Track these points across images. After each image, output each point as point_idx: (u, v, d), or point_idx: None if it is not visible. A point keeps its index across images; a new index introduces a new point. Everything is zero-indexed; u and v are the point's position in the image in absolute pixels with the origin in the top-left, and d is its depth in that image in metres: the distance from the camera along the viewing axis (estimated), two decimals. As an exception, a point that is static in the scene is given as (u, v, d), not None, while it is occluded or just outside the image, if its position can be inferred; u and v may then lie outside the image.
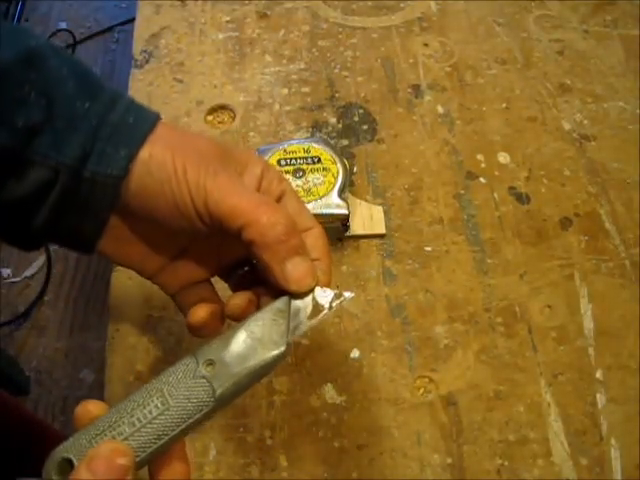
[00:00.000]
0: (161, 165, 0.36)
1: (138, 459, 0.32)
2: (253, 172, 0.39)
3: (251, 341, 0.35)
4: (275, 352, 0.35)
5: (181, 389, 0.34)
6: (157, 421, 0.33)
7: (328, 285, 0.38)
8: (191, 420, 0.33)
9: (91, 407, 0.34)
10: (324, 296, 0.37)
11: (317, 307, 0.37)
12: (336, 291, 0.37)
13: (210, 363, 0.34)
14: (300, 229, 0.39)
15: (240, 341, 0.35)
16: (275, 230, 0.36)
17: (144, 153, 0.36)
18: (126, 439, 0.32)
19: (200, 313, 0.40)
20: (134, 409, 0.33)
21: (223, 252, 0.42)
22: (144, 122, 0.38)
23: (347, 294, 0.37)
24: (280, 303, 0.36)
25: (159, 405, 0.33)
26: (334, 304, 0.37)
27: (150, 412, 0.33)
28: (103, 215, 0.38)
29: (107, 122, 0.37)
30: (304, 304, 0.37)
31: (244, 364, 0.35)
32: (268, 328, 0.36)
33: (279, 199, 0.40)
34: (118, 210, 0.38)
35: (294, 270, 0.36)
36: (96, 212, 0.38)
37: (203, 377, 0.34)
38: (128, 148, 0.36)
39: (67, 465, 0.32)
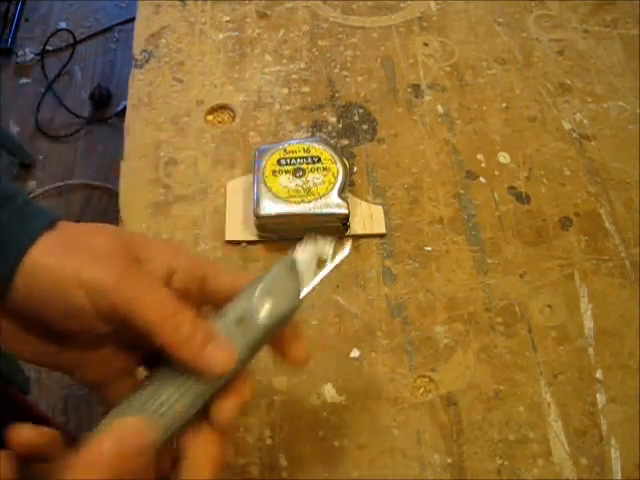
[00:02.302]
0: (48, 274, 0.34)
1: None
2: (158, 266, 0.37)
3: (267, 296, 0.37)
4: (289, 305, 0.37)
5: None
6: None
7: None
8: None
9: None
10: (325, 250, 0.38)
11: (321, 262, 0.38)
12: (333, 241, 0.38)
13: (237, 318, 0.36)
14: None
15: (256, 297, 0.36)
16: (180, 332, 0.35)
17: (28, 264, 0.34)
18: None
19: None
20: None
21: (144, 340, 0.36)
22: (29, 231, 0.35)
23: (346, 249, 0.39)
24: (287, 261, 0.38)
25: None
26: (337, 258, 0.38)
27: None
28: None
29: None
30: (308, 261, 0.38)
31: (259, 317, 0.36)
32: (282, 283, 0.37)
33: (203, 282, 0.38)
34: (5, 312, 0.35)
35: (211, 359, 0.35)
36: None
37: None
38: (6, 265, 0.34)
39: None
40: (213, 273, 0.39)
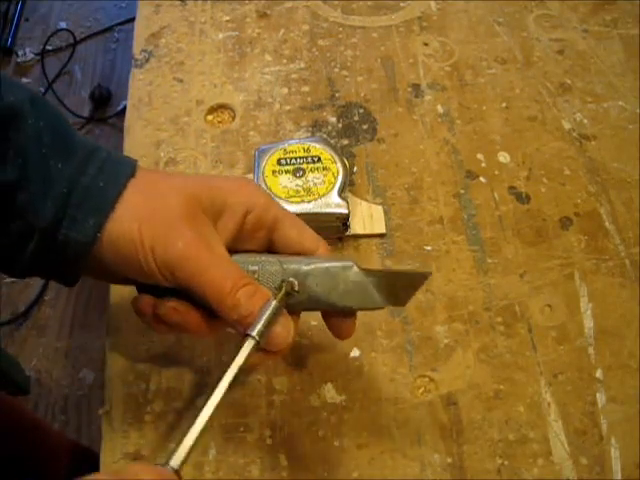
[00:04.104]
0: (129, 242, 0.38)
1: None
2: (233, 211, 0.41)
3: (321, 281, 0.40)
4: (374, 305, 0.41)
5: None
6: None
7: None
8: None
9: None
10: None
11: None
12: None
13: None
14: (305, 254, 0.42)
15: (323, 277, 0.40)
16: (238, 311, 0.38)
17: (111, 229, 0.38)
18: None
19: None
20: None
21: None
22: (114, 186, 0.39)
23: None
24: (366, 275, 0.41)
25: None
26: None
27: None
28: (77, 266, 0.40)
29: (78, 186, 0.38)
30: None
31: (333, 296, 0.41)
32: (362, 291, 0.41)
33: (273, 227, 0.42)
34: (93, 258, 0.40)
35: (269, 336, 0.39)
36: (70, 264, 0.40)
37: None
38: (96, 217, 0.38)
39: None
40: (283, 221, 0.42)
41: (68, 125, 0.41)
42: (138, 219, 0.38)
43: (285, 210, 0.43)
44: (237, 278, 0.39)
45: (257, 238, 0.42)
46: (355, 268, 0.40)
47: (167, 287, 0.40)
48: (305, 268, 0.40)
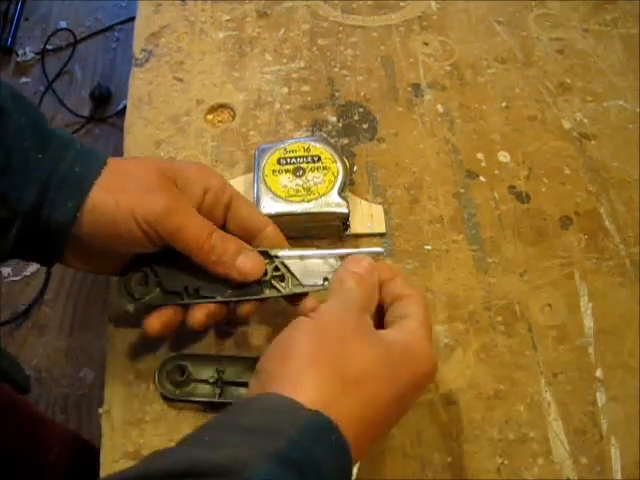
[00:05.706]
0: (108, 216, 0.42)
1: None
2: (194, 189, 0.46)
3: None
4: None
5: None
6: None
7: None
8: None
9: None
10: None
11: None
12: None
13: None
14: (254, 231, 0.47)
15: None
16: (216, 252, 0.44)
17: (89, 204, 0.42)
18: None
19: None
20: None
21: None
22: (90, 171, 0.43)
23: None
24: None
25: None
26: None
27: None
28: (58, 246, 0.45)
29: (57, 173, 0.42)
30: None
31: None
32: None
33: (228, 206, 0.47)
34: (74, 240, 0.44)
35: (243, 268, 0.45)
36: (51, 244, 0.45)
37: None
38: (75, 200, 0.42)
39: None
40: (237, 200, 0.47)
41: (44, 118, 0.45)
42: (113, 195, 0.42)
43: (238, 192, 0.48)
44: (209, 226, 0.44)
45: (214, 215, 0.47)
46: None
47: (144, 257, 0.46)
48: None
